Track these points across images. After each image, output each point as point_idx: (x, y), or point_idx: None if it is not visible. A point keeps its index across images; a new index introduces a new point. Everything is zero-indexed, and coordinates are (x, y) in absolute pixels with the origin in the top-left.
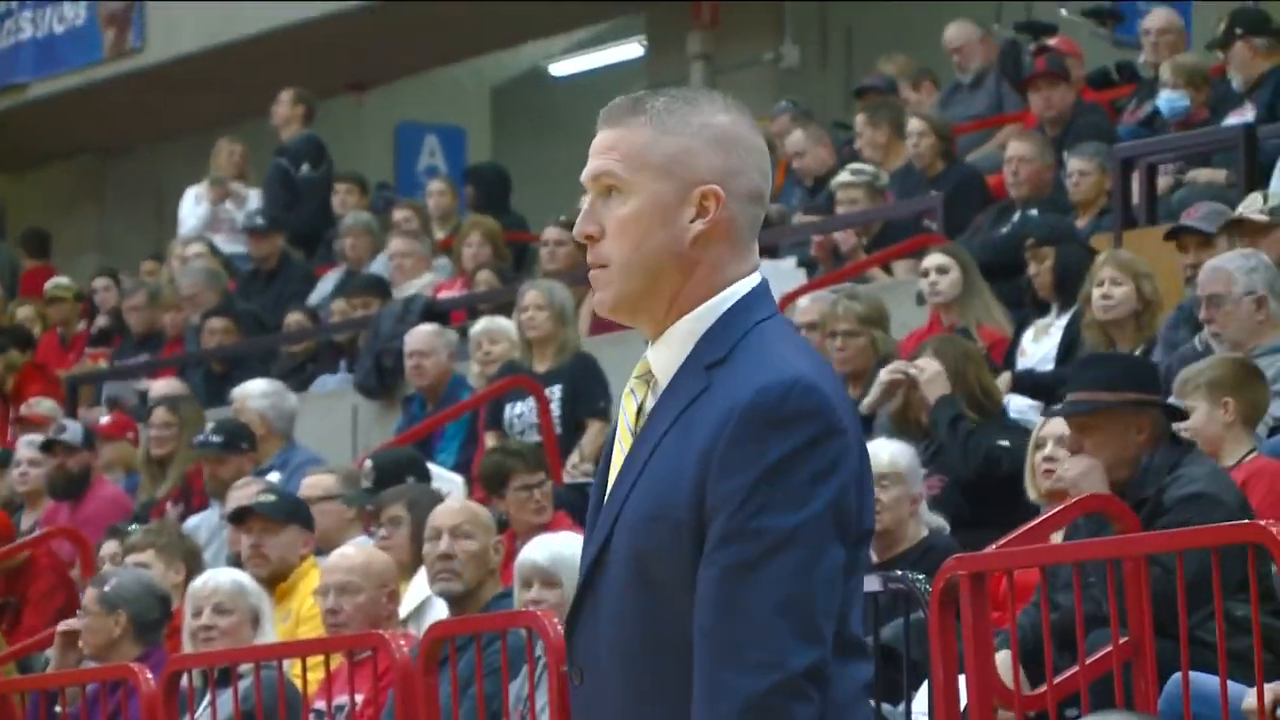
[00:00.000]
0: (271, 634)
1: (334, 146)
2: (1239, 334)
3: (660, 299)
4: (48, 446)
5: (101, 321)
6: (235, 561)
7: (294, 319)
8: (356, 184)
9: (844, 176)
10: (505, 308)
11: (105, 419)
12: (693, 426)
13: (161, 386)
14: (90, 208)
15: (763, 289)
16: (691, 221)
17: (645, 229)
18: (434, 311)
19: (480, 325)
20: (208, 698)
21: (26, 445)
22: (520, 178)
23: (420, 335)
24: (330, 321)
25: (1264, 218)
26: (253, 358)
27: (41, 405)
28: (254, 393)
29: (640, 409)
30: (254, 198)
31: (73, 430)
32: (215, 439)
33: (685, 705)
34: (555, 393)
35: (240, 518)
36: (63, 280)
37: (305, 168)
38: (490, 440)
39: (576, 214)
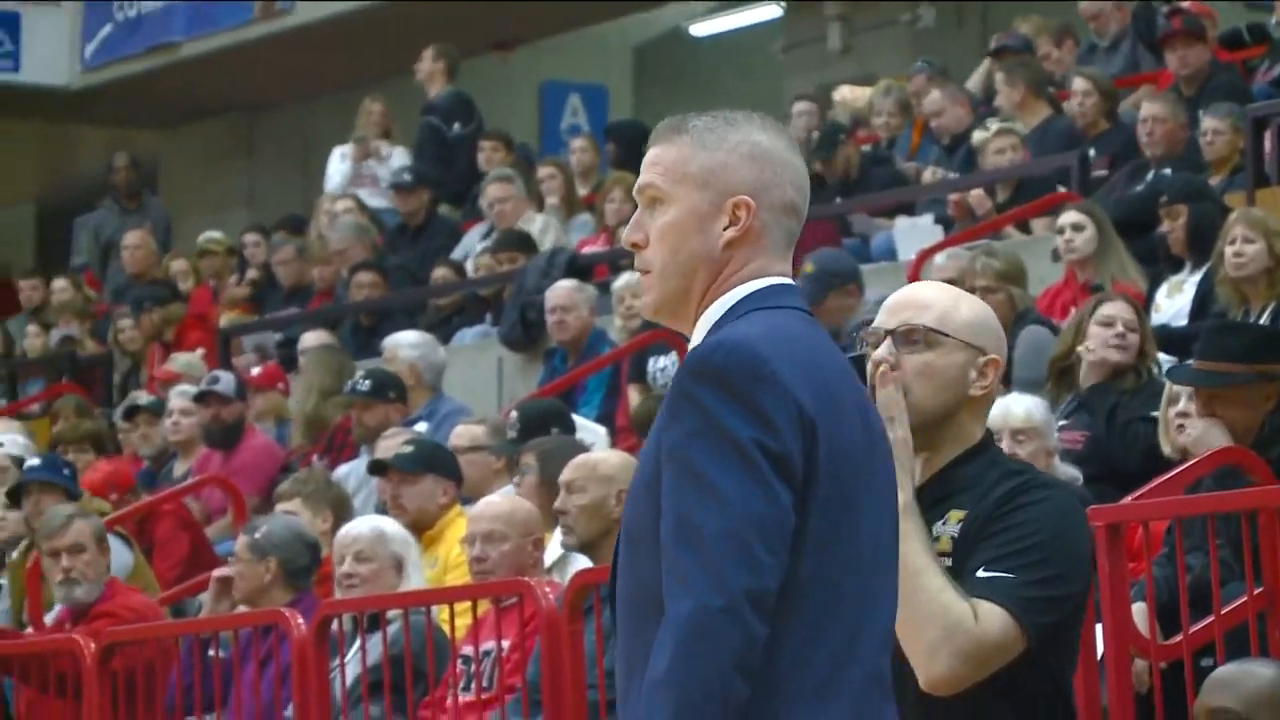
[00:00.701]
0: (418, 580)
1: (480, 104)
2: None
3: (693, 301)
4: (201, 397)
5: (252, 275)
6: (383, 509)
7: (440, 273)
8: (502, 141)
9: (995, 126)
10: None
11: (256, 370)
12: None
13: (311, 339)
14: (239, 164)
15: (777, 289)
16: (724, 230)
17: (682, 236)
18: (577, 267)
19: (623, 280)
20: (357, 642)
21: (178, 395)
22: None
23: (562, 290)
24: (476, 275)
25: None
26: (400, 311)
27: (178, 361)
28: (404, 344)
29: None
30: (398, 155)
31: (226, 381)
32: (363, 386)
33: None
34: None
35: (379, 470)
36: (214, 234)
37: (456, 126)
38: (633, 393)
39: None
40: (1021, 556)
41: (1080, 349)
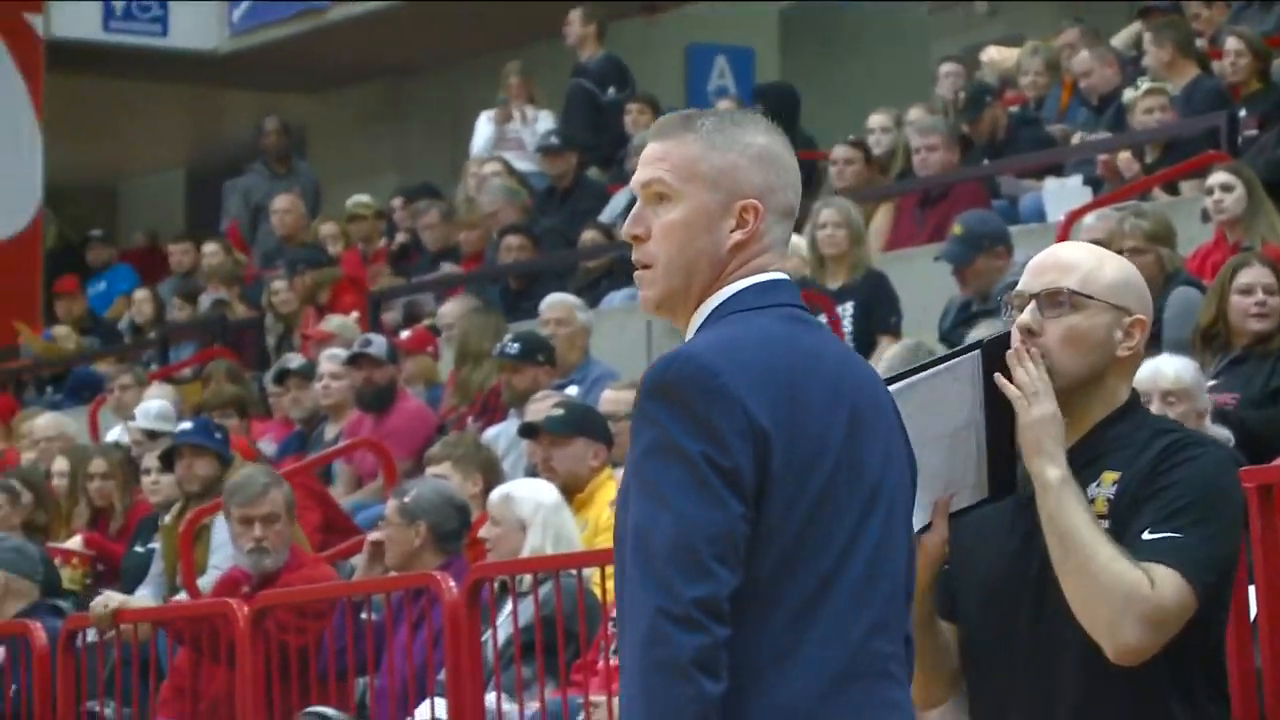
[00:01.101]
0: (539, 542)
1: (627, 66)
2: None
3: (692, 298)
4: (354, 360)
5: (401, 238)
6: (533, 472)
7: (589, 235)
8: (649, 104)
9: (1144, 86)
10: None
11: (406, 333)
12: None
13: (459, 302)
14: (388, 128)
15: (765, 285)
16: (731, 231)
17: (690, 234)
18: None
19: None
20: (509, 605)
21: (329, 359)
22: (808, 97)
23: None
24: (623, 238)
25: None
26: (549, 274)
27: (333, 322)
28: (555, 306)
29: None
30: (543, 118)
31: (378, 344)
32: (512, 349)
33: None
34: (847, 309)
35: (529, 433)
36: (363, 198)
37: (611, 90)
38: None
39: (865, 133)
40: (1185, 515)
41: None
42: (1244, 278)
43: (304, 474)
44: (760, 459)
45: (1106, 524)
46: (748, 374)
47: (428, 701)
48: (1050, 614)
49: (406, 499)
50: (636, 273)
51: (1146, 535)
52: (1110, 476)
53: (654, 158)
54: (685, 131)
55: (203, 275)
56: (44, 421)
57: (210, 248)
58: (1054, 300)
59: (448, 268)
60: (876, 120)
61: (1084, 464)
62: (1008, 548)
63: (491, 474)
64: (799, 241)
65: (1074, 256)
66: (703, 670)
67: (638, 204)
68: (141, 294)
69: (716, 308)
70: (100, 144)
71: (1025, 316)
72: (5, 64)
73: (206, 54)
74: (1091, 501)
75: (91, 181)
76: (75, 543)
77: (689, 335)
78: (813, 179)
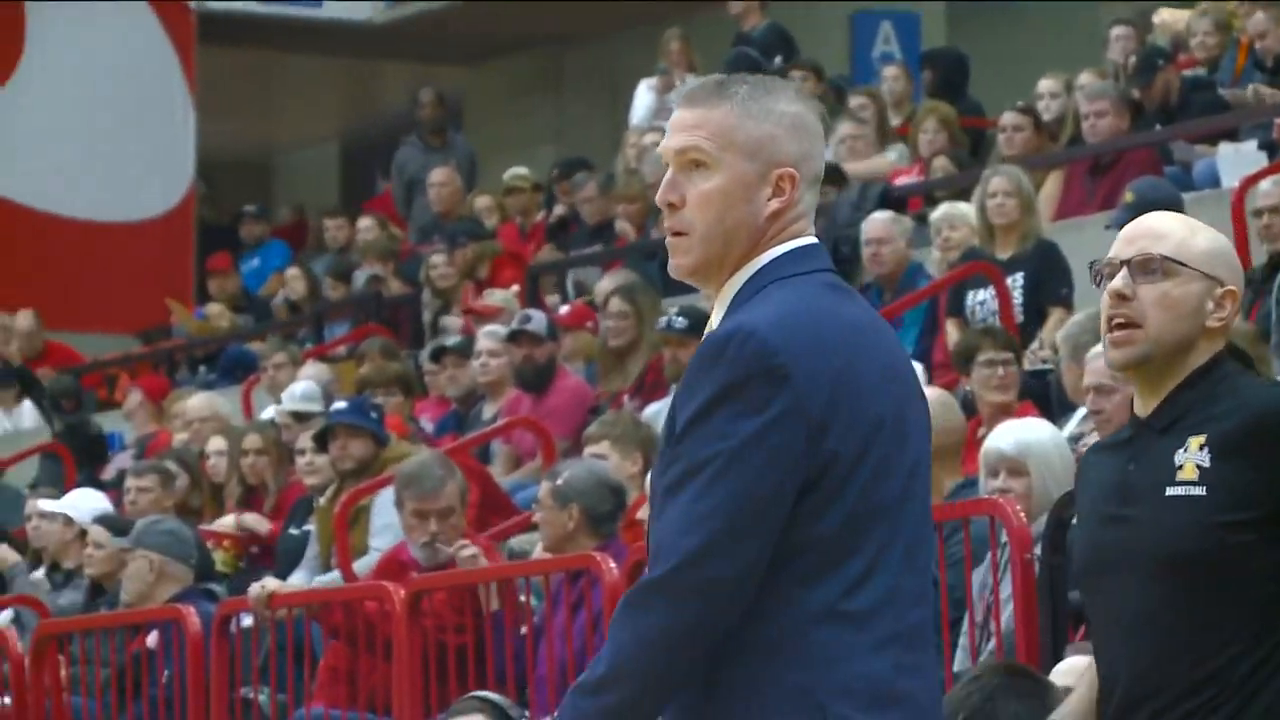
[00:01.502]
0: None
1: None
2: None
3: (727, 266)
4: (513, 337)
5: (559, 211)
6: None
7: None
8: (814, 72)
9: None
10: (961, 194)
11: (564, 309)
12: None
13: (615, 276)
14: (547, 98)
15: (802, 251)
16: (768, 200)
17: (729, 203)
18: (891, 199)
19: (941, 211)
20: None
21: (487, 335)
22: (975, 62)
23: (877, 223)
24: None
25: None
26: None
27: (495, 296)
28: None
29: None
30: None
31: (538, 321)
32: (679, 323)
33: None
34: (1017, 280)
35: None
36: (521, 170)
37: (778, 60)
38: (951, 327)
39: (1035, 99)
40: None
41: None
42: None
43: (461, 453)
44: (814, 438)
45: (1202, 490)
46: (804, 352)
47: None
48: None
49: (559, 481)
50: (670, 239)
51: None
52: (1197, 441)
53: (689, 124)
54: (720, 99)
55: (357, 251)
56: (197, 402)
57: (365, 223)
58: (1146, 267)
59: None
60: (1046, 85)
61: (1163, 429)
62: (1110, 478)
63: (651, 452)
64: (967, 209)
65: (1167, 225)
66: (703, 630)
67: (670, 171)
68: (293, 271)
69: (755, 274)
70: (253, 118)
71: (1116, 282)
72: (158, 37)
73: (361, 25)
74: (1180, 468)
75: (245, 156)
76: (228, 523)
77: (723, 301)
78: (981, 146)
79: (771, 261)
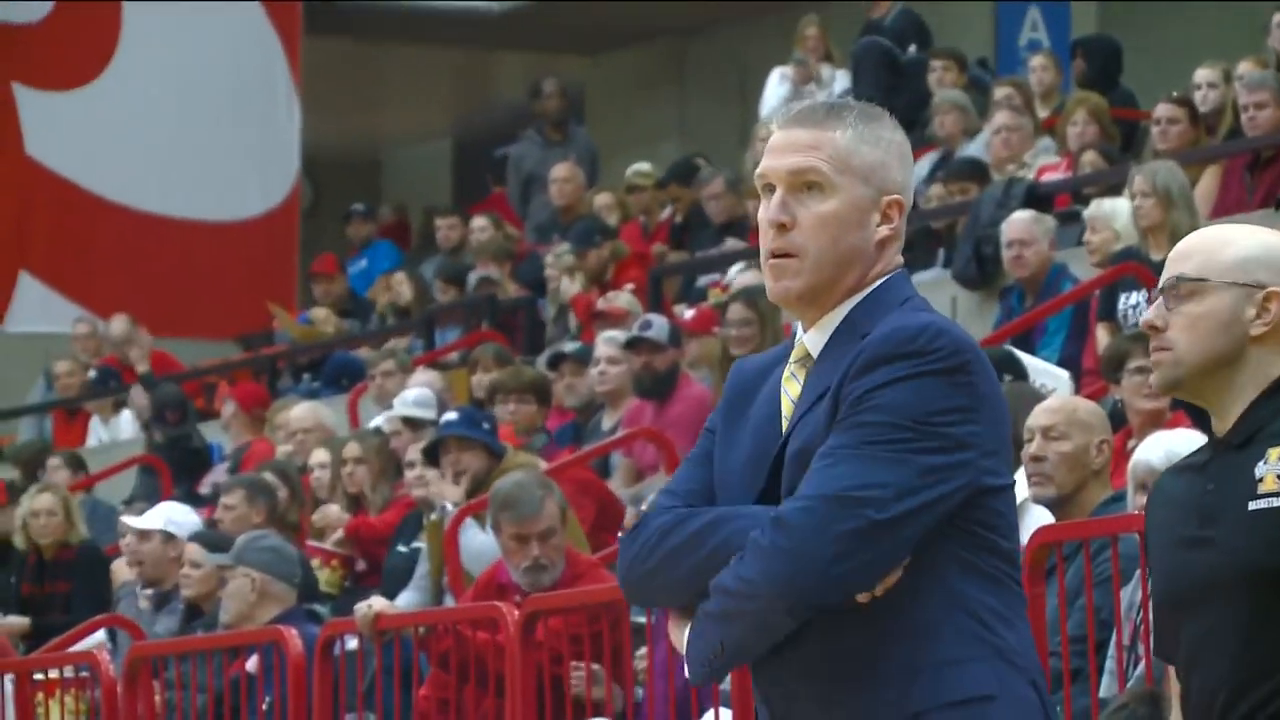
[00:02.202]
0: None
1: (930, 22)
2: None
3: (836, 292)
4: (632, 344)
5: (669, 212)
6: None
7: None
8: (954, 60)
9: None
10: (1113, 190)
11: (689, 313)
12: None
13: (741, 279)
14: (670, 91)
15: (903, 275)
16: (878, 226)
17: (844, 228)
18: (1036, 195)
19: (1092, 208)
20: None
21: (606, 342)
22: (1127, 50)
23: (1019, 223)
24: (926, 207)
25: None
26: None
27: (621, 299)
28: None
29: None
30: (840, 78)
31: (659, 326)
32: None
33: None
34: None
35: None
36: (643, 167)
37: (912, 49)
38: (1102, 332)
39: (1190, 90)
40: None
41: None
42: None
43: (578, 466)
44: (994, 431)
45: None
46: (982, 365)
47: (710, 712)
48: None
49: (643, 507)
50: (776, 261)
51: None
52: (1275, 451)
53: (805, 145)
54: (835, 122)
55: (470, 251)
56: (300, 412)
57: (479, 222)
58: (1173, 293)
59: (734, 242)
60: (1203, 75)
61: (1241, 445)
62: (1188, 500)
63: None
64: (1113, 208)
65: (1195, 242)
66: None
67: (779, 192)
68: (399, 275)
69: (872, 295)
70: (362, 112)
71: (1149, 313)
72: (262, 26)
73: (478, 13)
74: (1260, 480)
75: (352, 153)
76: (334, 540)
77: (825, 327)
78: (1134, 139)
79: (884, 284)
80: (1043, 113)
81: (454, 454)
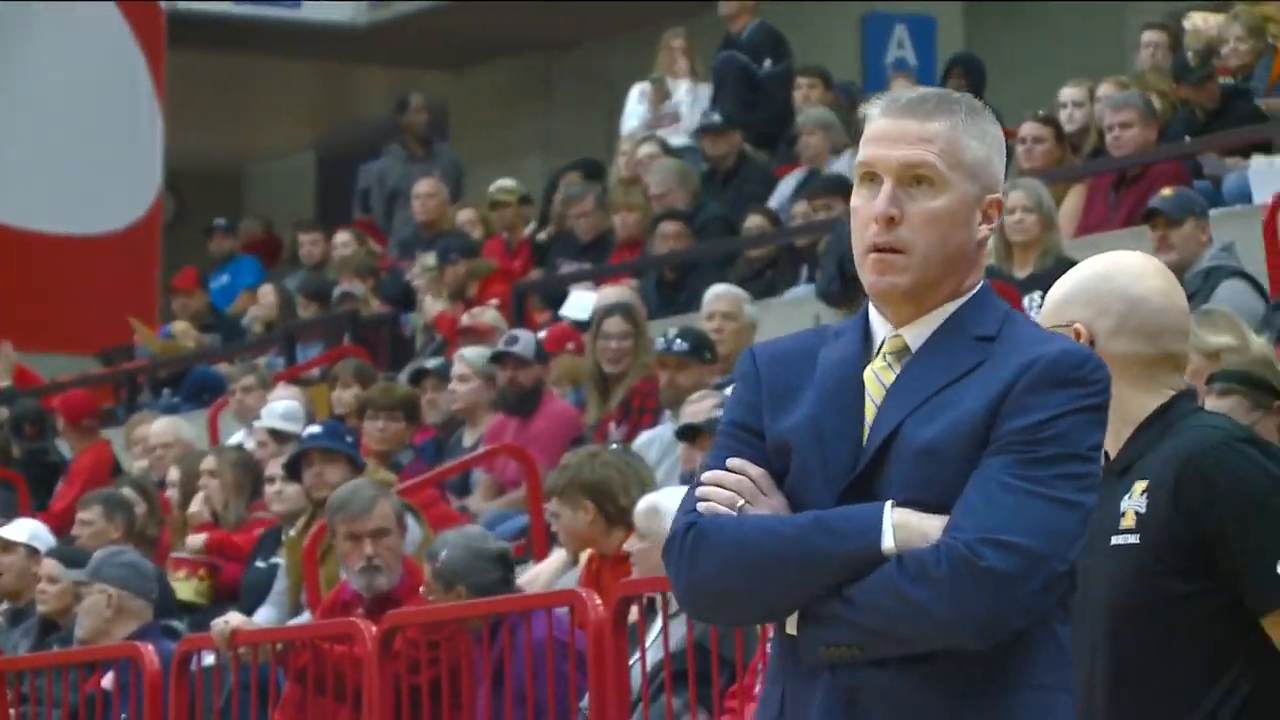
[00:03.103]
0: None
1: (796, 39)
2: None
3: (940, 292)
4: (498, 358)
5: (548, 230)
6: (687, 479)
7: (753, 222)
8: (820, 78)
9: None
10: None
11: (543, 332)
12: (985, 384)
13: (612, 294)
14: (536, 106)
15: (988, 284)
16: (979, 225)
17: (954, 226)
18: None
19: None
20: (658, 626)
21: (460, 360)
22: (993, 69)
23: None
24: (791, 225)
25: None
26: (707, 265)
27: (486, 315)
28: (721, 298)
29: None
30: (703, 94)
31: (524, 342)
32: (680, 345)
33: None
34: (1034, 299)
35: (691, 436)
36: (507, 183)
37: (768, 63)
38: None
39: (1056, 107)
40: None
41: None
42: None
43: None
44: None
45: (1134, 539)
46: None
47: None
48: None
49: (439, 564)
50: (881, 255)
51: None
52: (1140, 486)
53: (918, 137)
54: (947, 114)
55: (333, 267)
56: (160, 426)
57: (342, 237)
58: None
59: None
60: (1069, 94)
61: (1121, 471)
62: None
63: (602, 498)
64: None
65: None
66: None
67: (889, 184)
68: (265, 288)
69: (977, 297)
70: (225, 125)
71: None
72: (125, 38)
73: (341, 27)
74: (1123, 515)
75: (216, 166)
76: (197, 542)
77: (926, 323)
78: None
79: (984, 288)
80: None
81: (317, 466)
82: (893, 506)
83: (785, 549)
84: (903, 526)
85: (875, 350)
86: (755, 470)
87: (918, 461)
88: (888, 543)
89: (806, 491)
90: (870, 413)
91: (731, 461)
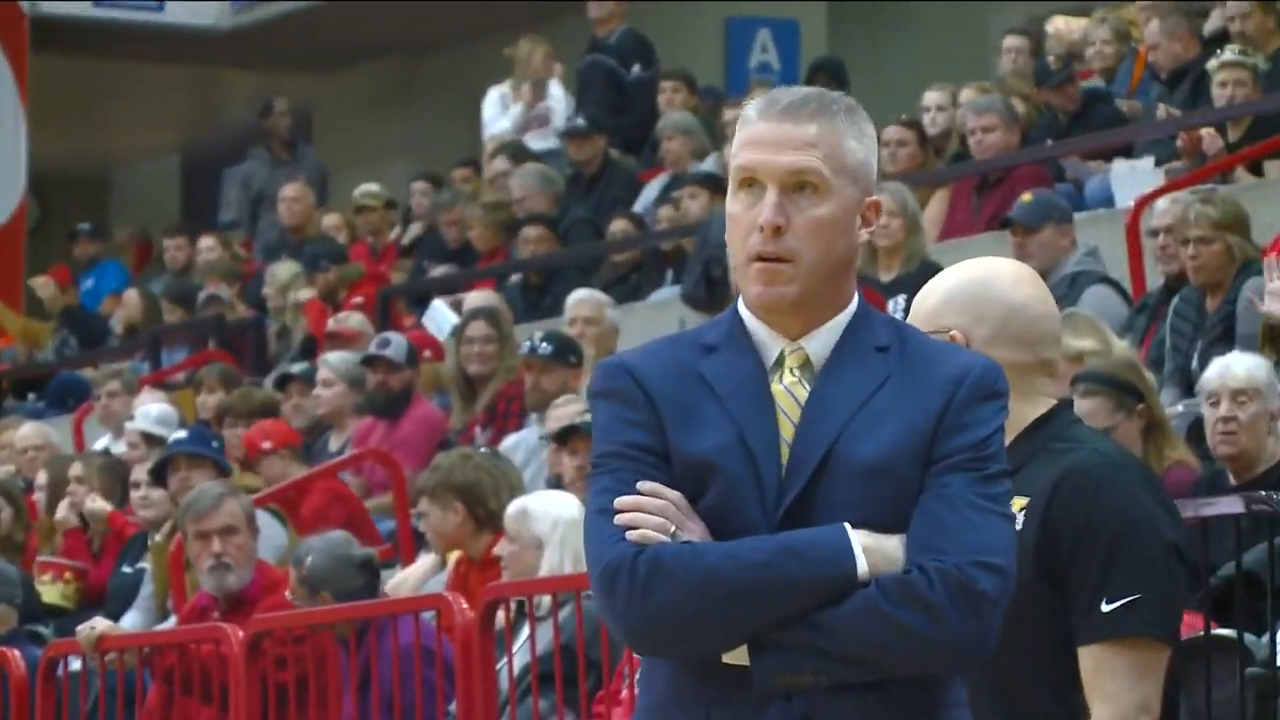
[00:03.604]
0: (557, 561)
1: (660, 43)
2: None
3: (824, 300)
4: (369, 361)
5: (415, 230)
6: (555, 483)
7: (618, 226)
8: (684, 82)
9: (1227, 56)
10: None
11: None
12: (902, 401)
13: (477, 298)
14: (400, 109)
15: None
16: (860, 229)
17: (838, 234)
18: None
19: None
20: (525, 630)
21: (325, 365)
22: (856, 73)
23: None
24: (656, 229)
25: None
26: (572, 269)
27: (352, 320)
28: (584, 303)
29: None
30: (566, 98)
31: (396, 345)
32: (544, 349)
33: None
34: (899, 303)
35: (564, 437)
36: (372, 187)
37: (636, 68)
38: None
39: (919, 111)
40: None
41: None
42: None
43: (330, 478)
44: None
45: None
46: None
47: None
48: None
49: (304, 569)
50: (767, 265)
51: (1104, 606)
52: (1019, 503)
53: (801, 142)
54: (827, 116)
55: (199, 271)
56: (27, 430)
57: (207, 241)
58: None
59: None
60: (932, 98)
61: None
62: None
63: (472, 499)
64: None
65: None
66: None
67: (773, 192)
68: (131, 293)
69: (862, 308)
70: (90, 130)
71: None
72: None
73: (205, 31)
74: None
75: (81, 170)
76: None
77: (824, 334)
78: None
79: (860, 293)
80: None
81: (183, 472)
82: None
83: (753, 576)
84: (871, 550)
85: (774, 362)
86: (673, 494)
87: (868, 480)
88: (862, 567)
89: (736, 515)
90: (788, 430)
91: (645, 485)
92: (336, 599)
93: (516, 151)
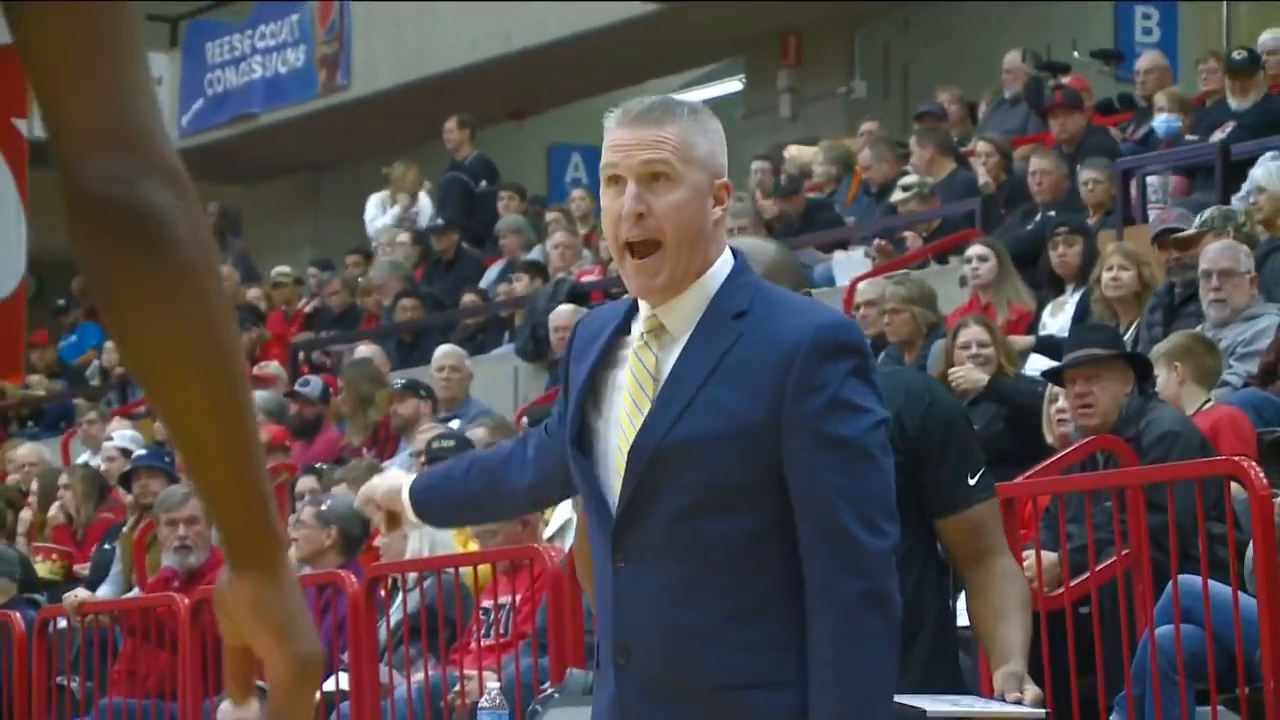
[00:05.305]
0: (447, 547)
1: (501, 164)
2: (1240, 301)
3: (689, 275)
4: (291, 395)
5: (315, 303)
6: None
7: (468, 298)
8: (517, 193)
9: (898, 195)
10: None
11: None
12: (749, 364)
13: (363, 350)
14: (307, 212)
15: (742, 260)
16: (714, 208)
17: (693, 214)
18: (577, 293)
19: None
20: (399, 597)
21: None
22: None
23: (563, 313)
24: (497, 300)
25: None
26: (435, 329)
27: (270, 367)
28: (448, 355)
29: (657, 358)
30: (428, 203)
31: (314, 385)
32: (398, 384)
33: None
34: None
35: (435, 460)
36: (284, 269)
37: (483, 183)
38: None
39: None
40: None
41: (951, 376)
42: (963, 336)
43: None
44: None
45: None
46: None
47: (333, 676)
48: None
49: (323, 506)
50: (640, 261)
51: None
52: None
53: (651, 140)
54: (674, 117)
55: None
56: (24, 450)
57: None
58: None
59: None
60: None
61: None
62: None
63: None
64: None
65: None
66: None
67: (632, 186)
68: (108, 345)
69: (732, 276)
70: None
71: None
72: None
73: None
74: None
75: (67, 256)
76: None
77: (681, 303)
78: None
79: (735, 266)
80: (583, 230)
81: (143, 480)
82: None
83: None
84: None
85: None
86: None
87: (709, 448)
88: None
89: (597, 464)
90: (638, 394)
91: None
92: (341, 536)
93: (368, 253)
